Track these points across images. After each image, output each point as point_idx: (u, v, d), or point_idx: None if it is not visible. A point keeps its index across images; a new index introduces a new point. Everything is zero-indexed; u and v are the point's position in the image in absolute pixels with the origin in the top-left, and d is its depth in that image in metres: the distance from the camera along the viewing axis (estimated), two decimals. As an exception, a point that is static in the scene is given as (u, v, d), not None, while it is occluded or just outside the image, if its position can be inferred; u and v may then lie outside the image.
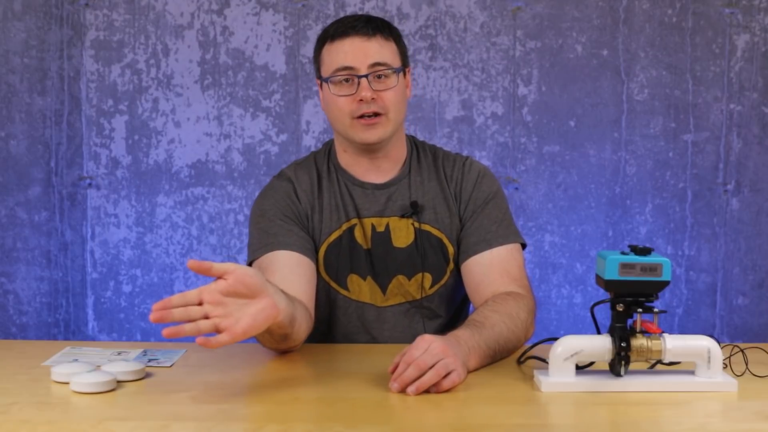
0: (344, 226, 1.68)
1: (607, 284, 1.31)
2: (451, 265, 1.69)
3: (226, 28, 2.60)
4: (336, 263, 1.67)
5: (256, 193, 1.76)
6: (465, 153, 2.57)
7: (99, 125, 2.62)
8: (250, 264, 1.64)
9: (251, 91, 2.62)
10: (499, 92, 2.62)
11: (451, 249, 1.69)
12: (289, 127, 2.63)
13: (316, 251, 1.67)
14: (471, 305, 1.71)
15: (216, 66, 2.61)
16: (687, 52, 2.60)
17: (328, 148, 1.75)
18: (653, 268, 1.29)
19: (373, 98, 1.58)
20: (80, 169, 2.63)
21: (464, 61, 2.61)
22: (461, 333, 1.42)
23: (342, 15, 2.57)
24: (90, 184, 2.63)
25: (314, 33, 2.59)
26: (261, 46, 2.61)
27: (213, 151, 2.63)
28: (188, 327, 1.20)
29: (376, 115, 1.60)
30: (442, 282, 1.69)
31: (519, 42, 2.61)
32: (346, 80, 1.60)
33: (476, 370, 1.41)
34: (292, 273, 1.57)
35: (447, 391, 1.30)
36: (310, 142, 2.62)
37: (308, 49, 2.60)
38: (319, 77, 1.67)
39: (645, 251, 1.30)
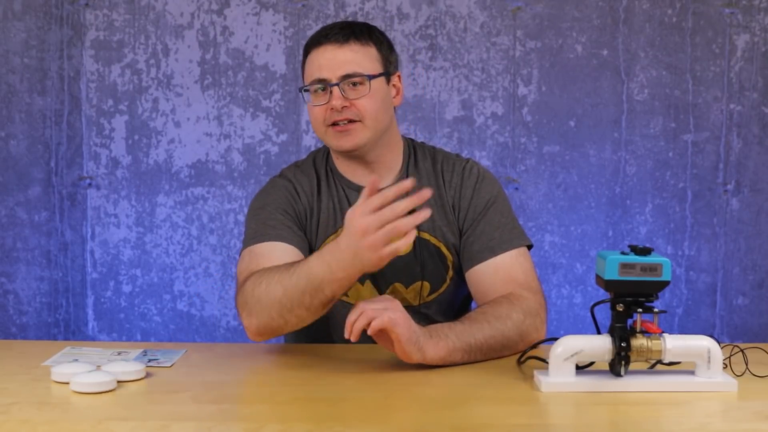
0: (340, 231, 1.67)
1: (607, 284, 1.31)
2: (451, 273, 1.68)
3: (226, 28, 2.60)
4: None
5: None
6: (465, 153, 2.58)
7: (99, 125, 2.62)
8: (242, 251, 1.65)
9: (251, 91, 2.62)
10: (499, 92, 2.61)
11: (449, 257, 1.68)
12: (289, 127, 2.63)
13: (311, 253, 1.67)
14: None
15: (216, 66, 2.61)
16: (687, 52, 2.60)
17: (327, 151, 1.74)
18: (653, 268, 1.29)
19: (345, 106, 1.58)
20: (80, 169, 2.63)
21: (464, 61, 2.61)
22: (436, 324, 1.46)
23: (342, 15, 2.57)
24: (90, 184, 2.63)
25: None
26: (261, 46, 2.61)
27: (213, 151, 2.63)
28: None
29: (351, 122, 1.60)
30: (441, 290, 1.69)
31: (519, 42, 2.61)
32: (322, 89, 1.60)
33: (448, 365, 1.42)
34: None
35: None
36: (310, 142, 2.61)
37: (308, 49, 2.60)
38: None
39: (645, 251, 1.30)
